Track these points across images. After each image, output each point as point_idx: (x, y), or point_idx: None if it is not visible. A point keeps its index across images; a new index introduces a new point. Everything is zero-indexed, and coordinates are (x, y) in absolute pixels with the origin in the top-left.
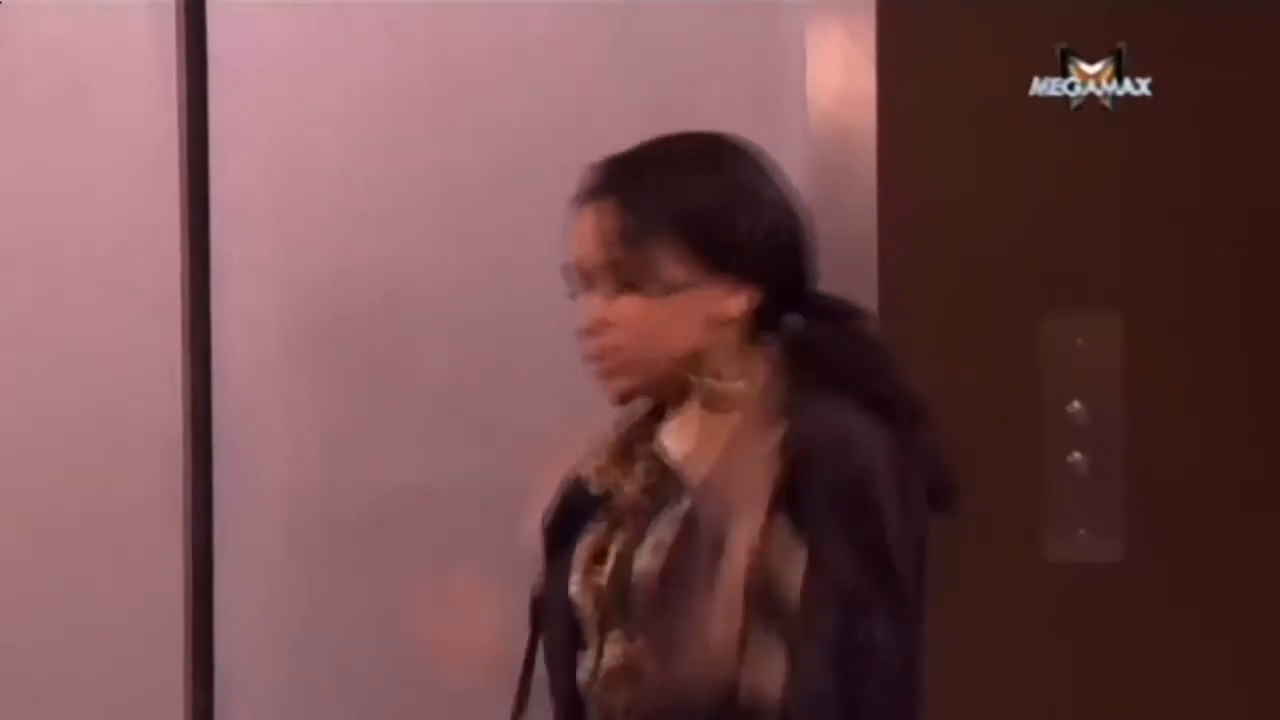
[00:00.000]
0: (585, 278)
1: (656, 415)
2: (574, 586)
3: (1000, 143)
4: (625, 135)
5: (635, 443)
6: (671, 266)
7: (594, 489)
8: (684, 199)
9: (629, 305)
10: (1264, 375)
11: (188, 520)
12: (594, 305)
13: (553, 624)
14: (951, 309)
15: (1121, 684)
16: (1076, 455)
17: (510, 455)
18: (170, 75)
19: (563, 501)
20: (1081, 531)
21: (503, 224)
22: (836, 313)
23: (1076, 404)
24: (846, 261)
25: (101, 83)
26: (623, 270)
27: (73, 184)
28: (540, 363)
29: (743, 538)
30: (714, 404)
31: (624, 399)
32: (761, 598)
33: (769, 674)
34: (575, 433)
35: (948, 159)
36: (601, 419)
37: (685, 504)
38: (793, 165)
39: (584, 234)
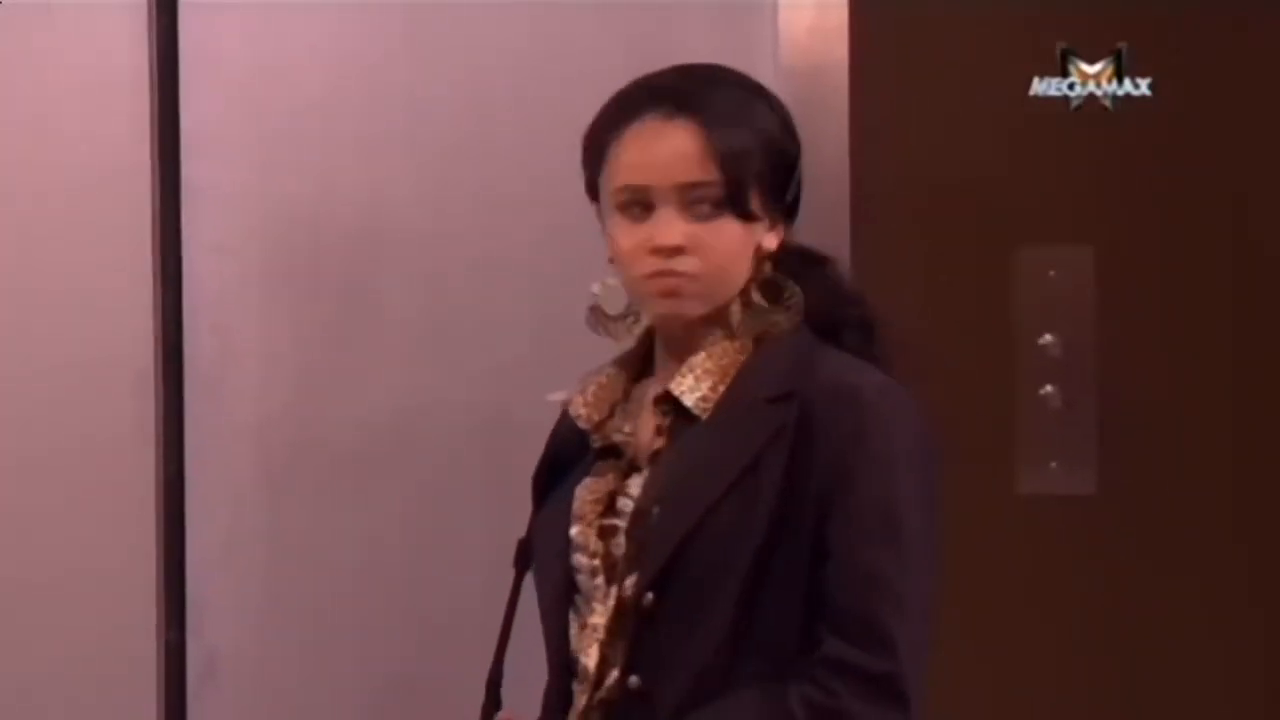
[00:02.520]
0: (660, 196)
1: (644, 355)
2: (575, 529)
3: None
4: (597, 67)
5: (631, 386)
6: (756, 195)
7: (595, 441)
8: (763, 128)
9: (722, 230)
10: (1235, 307)
11: (159, 451)
12: (677, 225)
13: (546, 566)
14: (924, 243)
15: (1093, 615)
16: (1049, 388)
17: (484, 386)
18: None
19: (554, 445)
20: (1054, 464)
21: (478, 152)
22: (818, 258)
23: (1049, 337)
24: (818, 198)
25: (70, 2)
26: (713, 193)
27: (41, 111)
28: (516, 292)
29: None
30: (756, 336)
31: (685, 324)
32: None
33: None
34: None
35: (921, 95)
36: (576, 350)
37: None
38: None
39: (665, 152)
